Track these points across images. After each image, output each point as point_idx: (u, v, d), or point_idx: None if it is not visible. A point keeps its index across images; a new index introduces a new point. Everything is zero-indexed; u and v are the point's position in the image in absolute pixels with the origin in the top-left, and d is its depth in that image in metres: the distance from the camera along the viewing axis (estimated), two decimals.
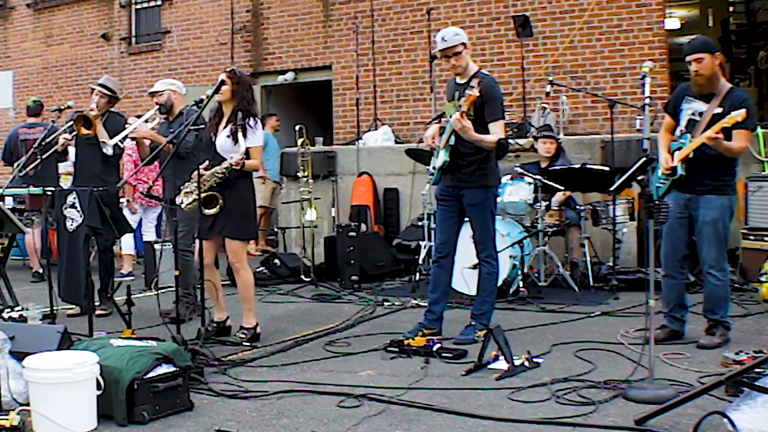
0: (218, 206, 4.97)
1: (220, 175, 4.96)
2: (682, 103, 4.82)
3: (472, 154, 4.89)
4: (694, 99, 4.76)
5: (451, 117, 4.81)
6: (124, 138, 6.04)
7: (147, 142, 6.08)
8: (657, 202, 3.91)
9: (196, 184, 4.97)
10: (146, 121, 6.08)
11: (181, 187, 5.12)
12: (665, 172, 4.77)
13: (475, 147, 4.84)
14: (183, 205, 5.08)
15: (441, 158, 4.93)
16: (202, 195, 4.86)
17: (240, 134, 4.89)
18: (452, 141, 4.86)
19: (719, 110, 4.61)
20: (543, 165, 7.02)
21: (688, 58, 4.68)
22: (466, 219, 5.13)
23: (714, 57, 4.65)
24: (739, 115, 4.41)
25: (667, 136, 4.91)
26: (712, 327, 4.80)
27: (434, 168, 5.04)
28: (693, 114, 4.75)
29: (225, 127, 5.05)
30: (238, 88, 5.04)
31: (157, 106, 6.00)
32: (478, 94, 4.66)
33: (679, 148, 4.71)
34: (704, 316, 4.86)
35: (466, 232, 5.21)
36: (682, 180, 4.70)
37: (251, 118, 5.00)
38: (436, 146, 5.01)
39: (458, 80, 5.01)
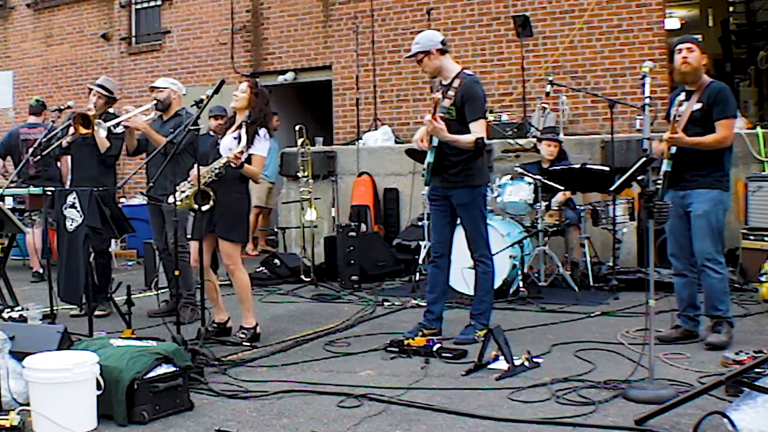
0: (211, 202, 4.97)
1: (217, 171, 4.97)
2: (672, 106, 4.87)
3: (457, 155, 4.88)
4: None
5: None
6: (118, 124, 5.99)
7: (137, 134, 6.05)
8: (657, 202, 3.91)
9: (190, 184, 4.97)
10: (142, 113, 6.05)
11: (177, 187, 5.09)
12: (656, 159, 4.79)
13: (459, 147, 4.84)
14: (176, 203, 5.06)
15: (427, 159, 4.94)
16: (197, 190, 4.86)
17: (244, 135, 4.91)
18: (435, 142, 4.87)
19: (698, 105, 4.68)
20: (545, 166, 7.01)
21: (679, 47, 4.76)
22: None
23: (702, 55, 4.74)
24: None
25: None
26: (717, 324, 4.76)
27: (424, 169, 5.04)
28: (679, 114, 4.76)
29: (233, 132, 5.08)
30: (257, 99, 5.06)
31: (155, 102, 6.00)
32: (440, 97, 4.73)
33: None
34: (707, 314, 4.83)
35: (462, 232, 5.21)
36: (674, 177, 4.70)
37: (262, 128, 5.02)
38: (426, 148, 5.01)
39: (443, 81, 5.01)
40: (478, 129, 4.81)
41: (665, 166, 4.64)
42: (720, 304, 4.74)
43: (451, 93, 4.82)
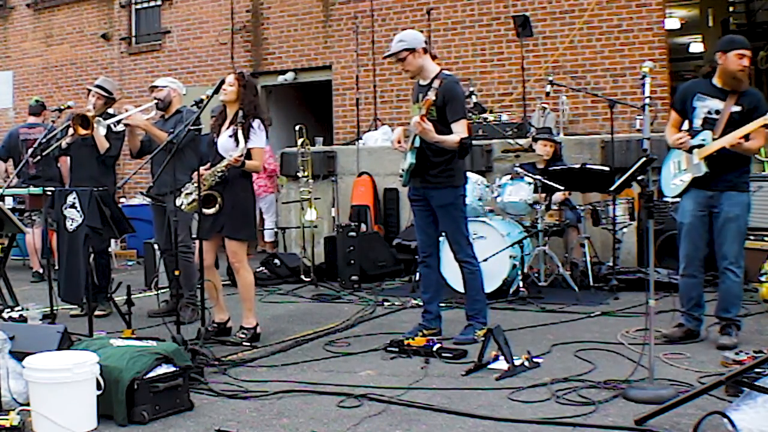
0: (217, 205, 4.98)
1: (220, 174, 4.98)
2: (694, 100, 4.78)
3: (438, 155, 4.88)
4: (708, 96, 4.74)
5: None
6: (118, 122, 5.99)
7: (140, 134, 6.05)
8: (656, 201, 3.91)
9: (196, 185, 4.97)
10: (142, 113, 6.06)
11: (181, 189, 5.12)
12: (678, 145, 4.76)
13: (440, 148, 4.83)
14: (183, 206, 5.10)
15: (408, 160, 4.93)
16: (202, 194, 4.86)
17: (241, 134, 4.91)
18: (417, 143, 4.86)
19: (737, 108, 4.62)
20: (540, 166, 7.00)
21: (741, 51, 4.63)
22: None
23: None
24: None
25: (674, 132, 4.89)
26: (726, 327, 4.78)
27: (402, 170, 5.03)
28: (709, 112, 4.72)
29: (228, 128, 5.06)
30: (245, 91, 5.05)
31: (155, 101, 6.01)
32: (434, 98, 4.71)
33: (700, 145, 4.68)
34: (717, 315, 4.83)
35: None
36: (704, 177, 4.69)
37: (255, 120, 5.01)
38: (403, 149, 4.99)
39: (421, 82, 5.01)
40: (460, 129, 4.82)
41: (704, 168, 4.65)
42: (732, 308, 4.77)
43: (431, 93, 4.81)
